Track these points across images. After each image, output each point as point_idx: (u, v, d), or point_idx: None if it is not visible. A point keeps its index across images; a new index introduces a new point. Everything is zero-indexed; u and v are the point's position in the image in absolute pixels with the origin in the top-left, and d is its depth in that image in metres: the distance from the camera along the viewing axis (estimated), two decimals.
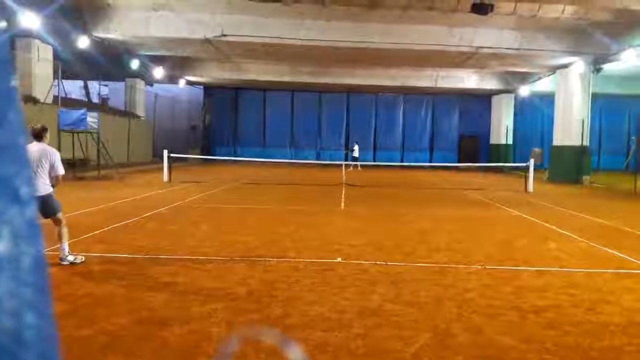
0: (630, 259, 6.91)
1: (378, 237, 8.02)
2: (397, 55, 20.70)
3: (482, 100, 33.16)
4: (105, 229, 8.05)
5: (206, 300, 4.65)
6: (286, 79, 28.58)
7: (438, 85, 29.10)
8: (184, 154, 22.02)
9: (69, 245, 5.97)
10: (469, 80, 28.88)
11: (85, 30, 17.89)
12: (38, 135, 5.84)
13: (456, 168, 29.51)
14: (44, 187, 5.67)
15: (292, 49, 19.92)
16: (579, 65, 20.23)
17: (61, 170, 5.85)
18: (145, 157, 27.54)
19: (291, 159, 30.47)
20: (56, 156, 5.81)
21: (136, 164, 24.18)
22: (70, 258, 5.85)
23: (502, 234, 8.75)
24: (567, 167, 21.15)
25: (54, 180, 5.83)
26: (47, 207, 5.73)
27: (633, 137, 26.45)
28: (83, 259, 5.93)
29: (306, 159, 30.91)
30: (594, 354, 3.71)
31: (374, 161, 31.49)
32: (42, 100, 18.51)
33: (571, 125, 20.98)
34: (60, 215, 5.88)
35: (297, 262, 6.22)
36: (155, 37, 18.80)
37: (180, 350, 3.62)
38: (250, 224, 9.13)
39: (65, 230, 5.90)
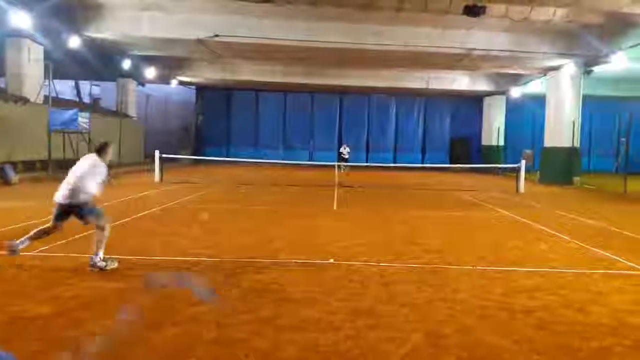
0: (619, 259, 6.96)
1: (370, 238, 8.02)
2: (389, 57, 20.73)
3: (473, 101, 33.31)
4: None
5: (196, 302, 4.63)
6: (279, 79, 28.56)
7: (430, 87, 29.18)
8: (175, 154, 21.92)
9: (56, 248, 5.91)
10: (460, 81, 29.01)
11: (76, 29, 17.77)
12: (98, 151, 6.00)
13: (448, 169, 29.60)
14: (84, 196, 5.73)
15: (285, 50, 19.90)
16: (569, 68, 20.36)
17: (98, 181, 5.85)
18: (137, 158, 27.38)
19: (284, 159, 30.43)
20: (105, 169, 5.90)
21: (127, 164, 24.02)
22: (101, 264, 5.68)
23: (493, 234, 8.79)
24: (558, 168, 21.27)
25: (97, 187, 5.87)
26: (82, 217, 5.81)
27: (623, 139, 26.67)
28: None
29: (299, 159, 30.91)
30: (583, 355, 3.73)
31: (367, 162, 31.52)
32: (32, 100, 18.37)
33: (562, 127, 21.11)
34: (103, 229, 5.83)
35: (289, 263, 6.21)
36: (147, 37, 18.70)
37: (170, 352, 3.60)
38: (242, 225, 9.10)
39: (105, 236, 5.81)
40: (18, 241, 5.65)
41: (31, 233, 5.79)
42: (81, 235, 7.50)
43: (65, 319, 4.14)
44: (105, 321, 4.08)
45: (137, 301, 4.61)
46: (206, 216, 9.87)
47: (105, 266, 5.63)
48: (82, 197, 5.73)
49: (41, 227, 5.87)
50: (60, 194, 5.73)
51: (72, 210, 5.76)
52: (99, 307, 4.42)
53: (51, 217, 5.86)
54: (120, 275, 5.49)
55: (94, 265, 5.62)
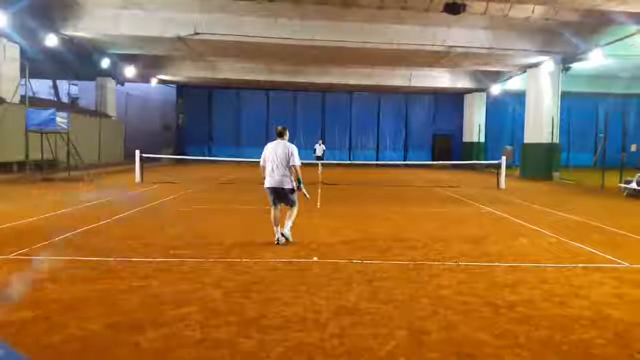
0: (598, 253, 7.09)
1: (354, 236, 8.04)
2: (371, 55, 20.80)
3: (455, 99, 33.62)
4: (76, 231, 7.87)
5: (180, 303, 4.58)
6: (261, 78, 28.45)
7: (412, 84, 29.37)
8: (156, 154, 21.69)
9: (34, 251, 5.81)
10: (442, 79, 29.23)
11: (53, 28, 17.47)
12: (281, 134, 7.33)
13: (430, 166, 29.82)
14: (287, 181, 7.13)
15: (267, 48, 19.83)
16: (548, 64, 20.66)
17: (297, 162, 7.14)
18: (117, 158, 27.04)
19: None
20: (294, 150, 7.19)
21: (107, 164, 23.72)
22: (287, 233, 7.16)
23: (475, 230, 8.87)
24: (538, 164, 21.59)
25: (296, 172, 7.17)
26: (285, 198, 7.27)
27: (600, 135, 27.16)
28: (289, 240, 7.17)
29: None
30: (565, 348, 3.78)
31: (350, 160, 31.63)
32: (8, 100, 18.00)
33: (541, 123, 21.43)
34: (295, 208, 7.33)
35: (274, 263, 6.19)
36: (126, 36, 18.48)
37: (154, 355, 3.56)
38: (226, 224, 9.05)
39: (294, 214, 7.33)
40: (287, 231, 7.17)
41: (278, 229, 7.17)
42: (60, 237, 7.38)
43: (47, 323, 4.07)
44: (88, 324, 4.02)
45: (120, 302, 4.56)
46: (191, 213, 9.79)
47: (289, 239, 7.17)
48: (291, 182, 7.15)
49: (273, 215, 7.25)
50: (273, 180, 7.11)
51: (284, 192, 7.18)
52: (81, 310, 4.35)
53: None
54: (102, 277, 5.41)
55: (283, 235, 7.09)
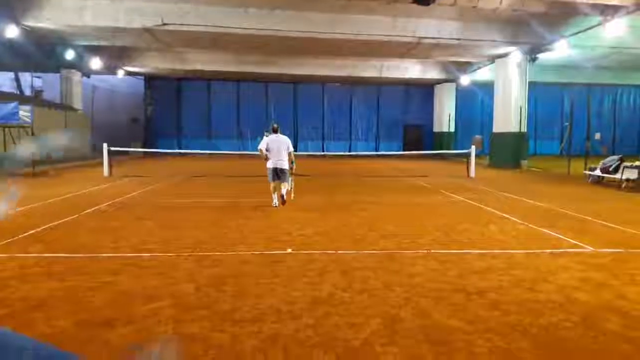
0: (565, 238, 7.28)
1: (328, 226, 8.05)
2: (342, 46, 20.76)
3: (425, 89, 33.95)
4: (43, 227, 7.66)
5: (151, 298, 4.51)
6: (231, 68, 28.11)
7: (383, 76, 29.50)
8: (125, 147, 21.24)
9: None
10: (412, 70, 29.44)
11: (14, 19, 16.86)
12: (275, 131, 9.98)
13: (401, 156, 30.09)
14: (285, 163, 9.83)
15: (237, 39, 19.57)
16: (516, 55, 21.02)
17: (291, 148, 9.97)
18: (84, 152, 26.38)
19: (238, 150, 30.08)
20: (289, 141, 10.00)
21: (74, 159, 23.12)
22: (285, 195, 9.87)
23: (446, 218, 9.00)
24: (507, 152, 22.01)
25: (291, 156, 10.00)
26: (283, 176, 9.83)
27: (566, 124, 27.82)
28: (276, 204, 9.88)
29: (254, 150, 30.58)
30: (534, 331, 3.88)
31: (323, 151, 31.64)
32: None
33: (510, 113, 21.82)
34: (286, 184, 9.96)
35: (247, 255, 6.15)
36: (90, 27, 17.95)
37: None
38: (197, 218, 8.94)
39: (287, 188, 10.09)
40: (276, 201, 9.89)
41: (276, 196, 9.89)
42: (26, 234, 7.17)
43: (12, 322, 3.95)
44: (56, 322, 3.91)
45: (89, 299, 4.46)
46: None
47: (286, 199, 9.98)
48: (287, 164, 9.86)
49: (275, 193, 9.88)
50: (276, 162, 9.70)
51: (282, 172, 9.77)
52: (48, 308, 4.24)
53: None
54: (70, 274, 5.28)
55: (282, 197, 9.79)
